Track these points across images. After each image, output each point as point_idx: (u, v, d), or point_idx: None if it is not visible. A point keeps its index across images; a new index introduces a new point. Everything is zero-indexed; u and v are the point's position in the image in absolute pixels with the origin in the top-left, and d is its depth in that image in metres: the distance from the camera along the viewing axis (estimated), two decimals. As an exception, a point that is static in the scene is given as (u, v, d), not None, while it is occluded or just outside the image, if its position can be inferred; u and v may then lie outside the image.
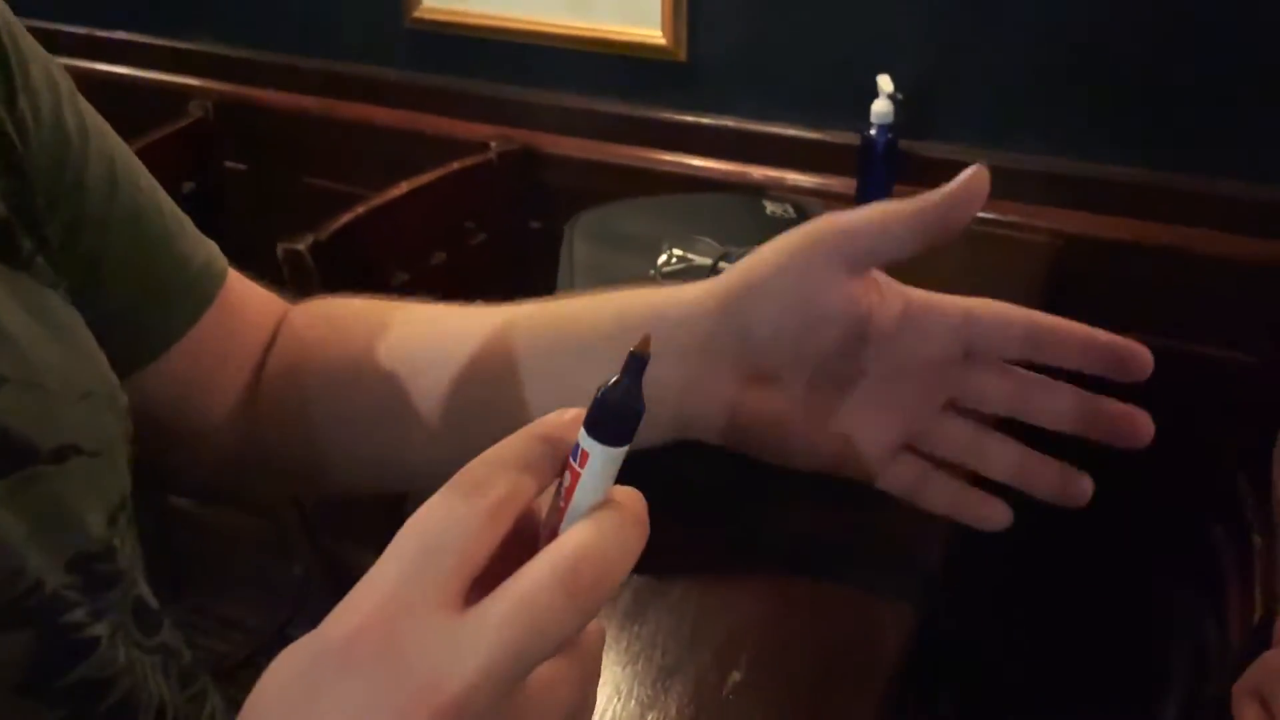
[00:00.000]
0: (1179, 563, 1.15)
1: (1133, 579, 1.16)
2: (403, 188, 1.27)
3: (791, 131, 1.35)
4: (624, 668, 0.69)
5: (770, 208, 1.03)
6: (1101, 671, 1.06)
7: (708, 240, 0.90)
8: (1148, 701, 1.03)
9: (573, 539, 0.29)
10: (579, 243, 0.99)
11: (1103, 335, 0.47)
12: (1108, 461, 0.50)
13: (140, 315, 0.49)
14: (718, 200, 1.06)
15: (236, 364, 0.55)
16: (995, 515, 0.52)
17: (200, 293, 0.52)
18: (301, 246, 1.11)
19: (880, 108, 1.22)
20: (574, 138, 1.46)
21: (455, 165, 1.35)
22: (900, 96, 1.23)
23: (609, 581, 0.29)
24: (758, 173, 1.37)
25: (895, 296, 0.50)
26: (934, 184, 1.36)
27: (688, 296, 0.51)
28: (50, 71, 0.46)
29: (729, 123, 1.39)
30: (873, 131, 1.22)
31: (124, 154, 0.49)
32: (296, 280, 1.12)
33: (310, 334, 0.57)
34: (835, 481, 0.54)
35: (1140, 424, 0.47)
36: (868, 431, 0.50)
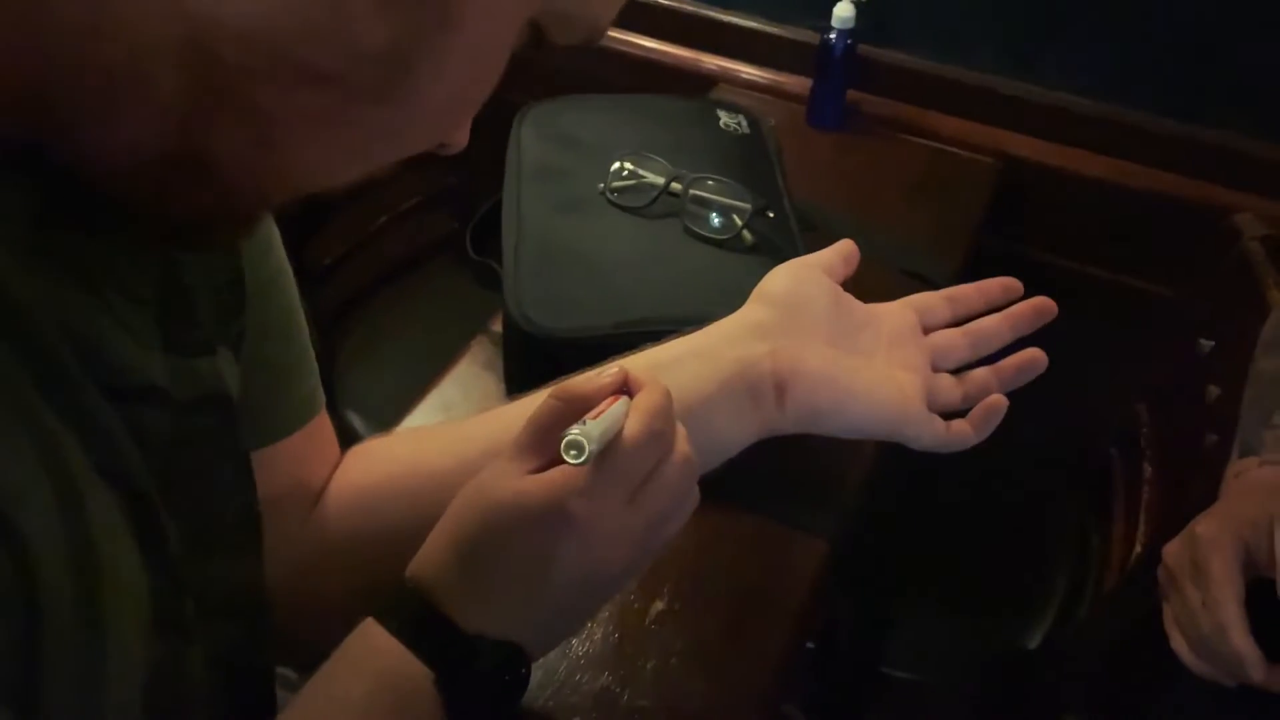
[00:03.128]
0: (1077, 485, 1.23)
1: (1034, 501, 1.24)
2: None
3: (749, 23, 1.32)
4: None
5: (724, 119, 1.01)
6: (989, 583, 1.14)
7: (660, 160, 0.89)
8: (1029, 611, 1.12)
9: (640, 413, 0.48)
10: (528, 139, 0.97)
11: (988, 283, 0.65)
12: (1026, 390, 0.62)
13: (246, 414, 0.51)
14: (672, 107, 1.04)
15: (305, 488, 0.59)
16: (1000, 401, 0.62)
17: (296, 414, 0.58)
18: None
19: (843, 11, 1.19)
20: None
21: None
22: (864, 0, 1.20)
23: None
24: (710, 62, 1.34)
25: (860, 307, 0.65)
26: (889, 93, 1.35)
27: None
28: (271, 240, 0.53)
29: (686, 5, 1.34)
30: (832, 35, 1.20)
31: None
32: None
33: (373, 459, 0.62)
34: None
35: (1043, 304, 0.63)
36: (908, 384, 0.61)
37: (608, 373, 0.50)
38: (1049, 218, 1.27)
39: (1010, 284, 0.65)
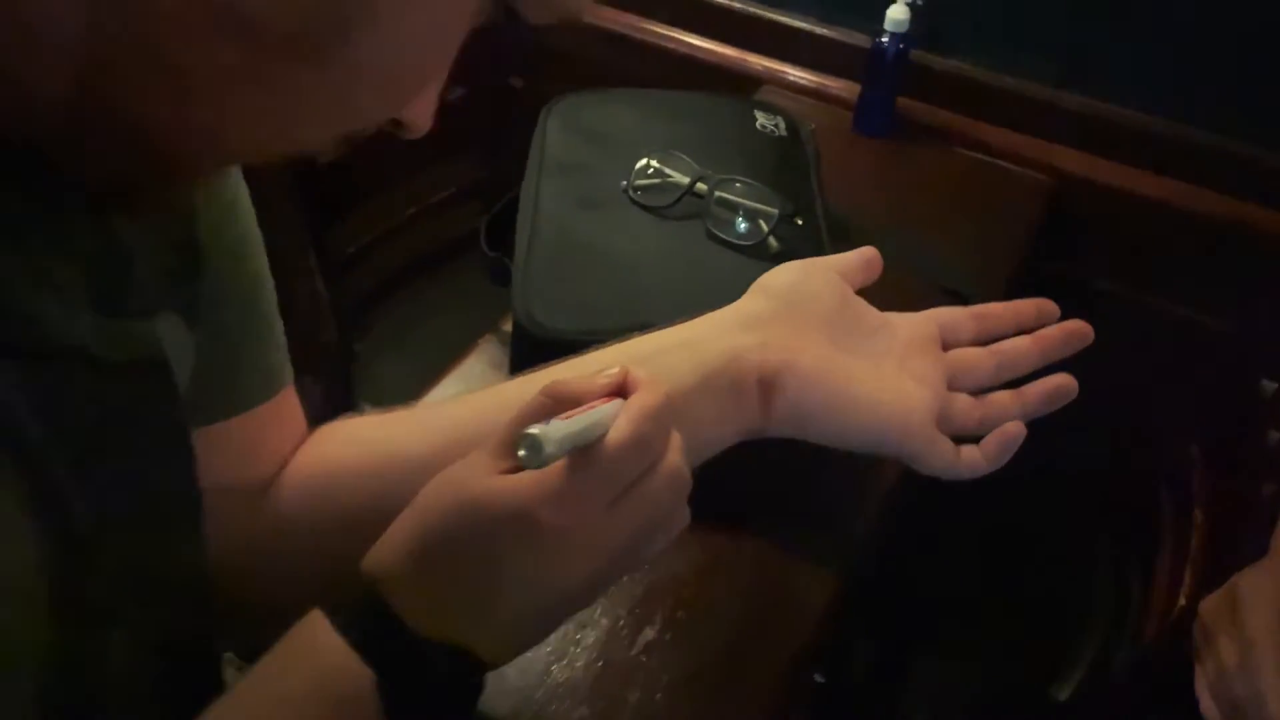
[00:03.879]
0: (1120, 527, 1.16)
1: (1072, 540, 1.17)
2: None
3: (800, 23, 1.26)
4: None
5: (761, 120, 0.96)
6: (1018, 625, 1.08)
7: (686, 158, 0.84)
8: (1060, 659, 1.05)
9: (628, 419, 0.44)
10: (552, 132, 0.93)
11: (1020, 302, 0.61)
12: (1067, 422, 0.58)
13: (202, 386, 0.49)
14: (708, 104, 0.99)
15: (264, 466, 0.56)
16: (1017, 429, 0.57)
17: (258, 388, 0.54)
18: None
19: (897, 14, 1.13)
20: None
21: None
22: (920, 2, 1.14)
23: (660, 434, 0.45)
24: (757, 63, 1.29)
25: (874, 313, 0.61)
26: (939, 101, 1.28)
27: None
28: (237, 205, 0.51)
29: (736, 3, 1.30)
30: (885, 39, 1.14)
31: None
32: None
33: (339, 441, 0.59)
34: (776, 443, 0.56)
35: (1078, 328, 0.59)
36: (916, 396, 0.56)
37: (608, 372, 0.46)
38: (1102, 240, 1.20)
39: (1045, 305, 0.60)
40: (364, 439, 0.58)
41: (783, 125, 0.96)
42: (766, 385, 0.54)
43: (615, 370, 0.46)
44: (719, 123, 0.96)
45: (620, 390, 0.46)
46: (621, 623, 0.68)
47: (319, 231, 1.18)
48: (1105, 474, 1.16)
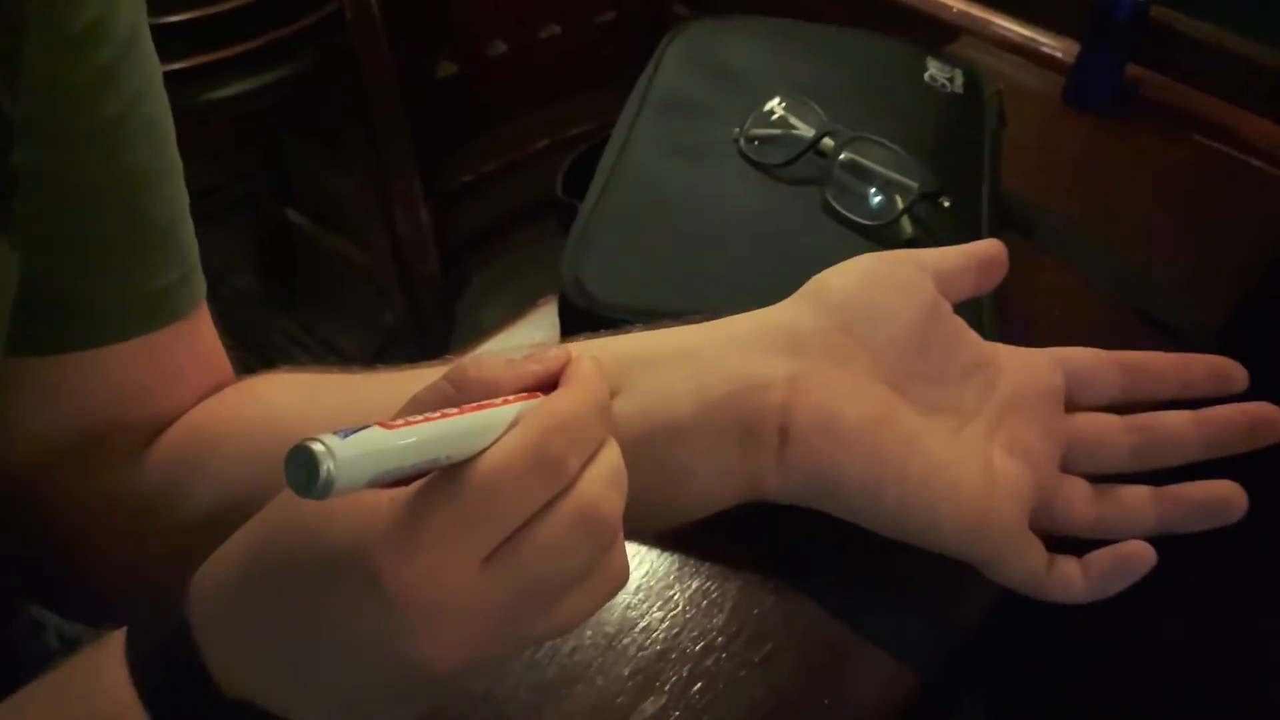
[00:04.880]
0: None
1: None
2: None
3: (1015, -38, 1.04)
4: (527, 654, 0.54)
5: (933, 71, 0.77)
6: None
7: (817, 108, 0.67)
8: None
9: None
10: (670, 62, 0.77)
11: (1194, 359, 0.46)
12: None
13: (76, 299, 0.41)
14: (871, 46, 0.80)
15: (142, 415, 0.44)
16: (1142, 552, 0.43)
17: (136, 316, 0.43)
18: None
19: (1138, -43, 0.90)
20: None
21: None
22: (1172, -55, 0.91)
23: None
24: (958, 6, 1.08)
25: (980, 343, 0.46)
26: (1182, 76, 1.02)
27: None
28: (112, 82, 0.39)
29: (942, -66, 1.08)
30: (1120, -12, 0.92)
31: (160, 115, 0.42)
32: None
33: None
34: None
35: (1268, 414, 0.43)
36: (1007, 481, 0.42)
37: (546, 354, 0.33)
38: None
39: (1227, 369, 0.44)
40: (269, 402, 0.45)
41: (959, 80, 0.77)
42: (790, 439, 0.40)
43: (556, 354, 0.33)
44: (878, 70, 0.77)
45: (553, 386, 0.33)
46: (616, 691, 0.53)
47: (431, 157, 1.07)
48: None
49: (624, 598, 0.56)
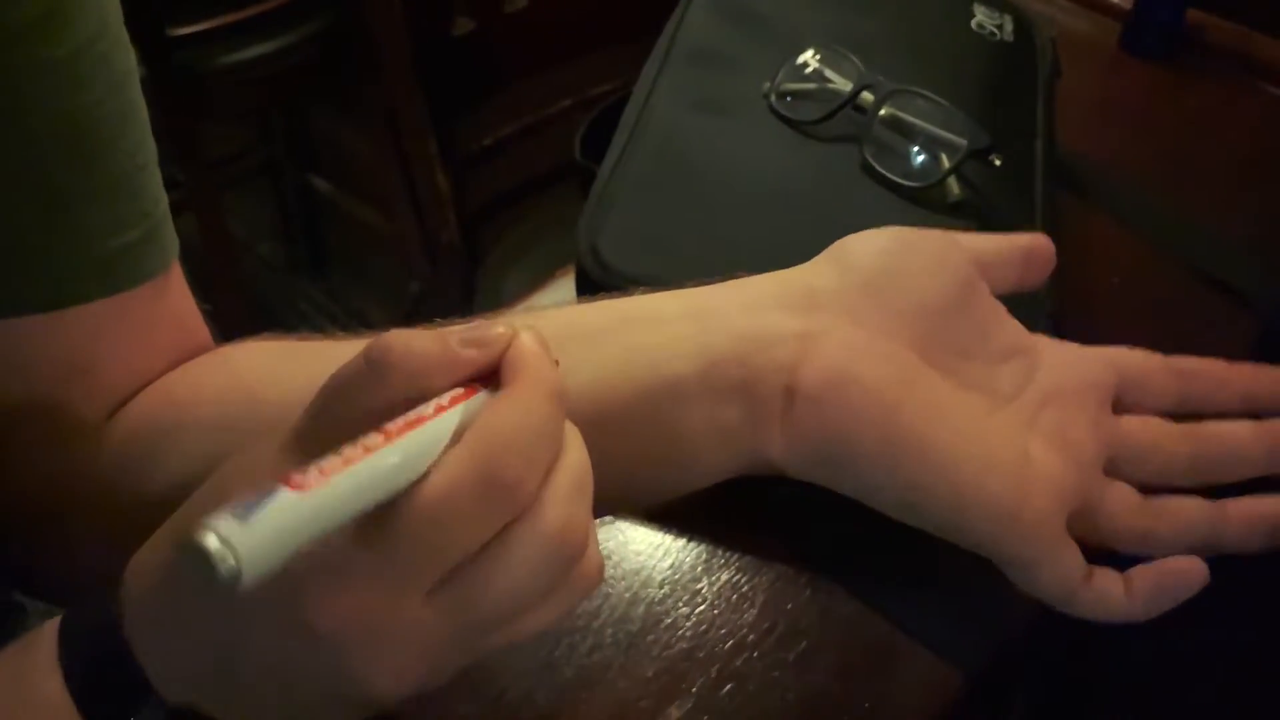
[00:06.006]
0: None
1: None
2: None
3: (1068, -100, 0.97)
4: (543, 654, 0.50)
5: (980, 18, 0.71)
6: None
7: (855, 60, 0.61)
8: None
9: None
10: (696, 9, 0.72)
11: (1264, 369, 0.42)
12: None
13: (33, 256, 0.38)
14: (910, -9, 0.75)
15: (108, 383, 0.42)
16: (1193, 569, 0.39)
17: (94, 276, 0.39)
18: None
19: (1204, -110, 0.83)
20: None
21: None
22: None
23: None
24: (1006, -50, 1.01)
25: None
26: (1248, 19, 0.94)
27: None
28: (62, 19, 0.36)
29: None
30: (1182, -75, 0.85)
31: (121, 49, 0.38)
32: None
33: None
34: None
35: None
36: (1044, 469, 0.38)
37: (489, 336, 0.28)
38: None
39: None
40: (246, 368, 0.42)
41: (1008, 27, 0.71)
42: (798, 399, 0.37)
43: (496, 335, 0.28)
44: (921, 17, 0.72)
45: (495, 373, 0.28)
46: (639, 694, 0.49)
47: (449, 119, 1.03)
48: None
49: (649, 593, 0.52)
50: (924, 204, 0.57)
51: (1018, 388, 0.39)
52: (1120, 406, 0.42)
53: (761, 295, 0.40)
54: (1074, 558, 0.39)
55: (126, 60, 0.39)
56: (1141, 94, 0.91)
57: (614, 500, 0.39)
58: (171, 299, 0.43)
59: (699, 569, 0.53)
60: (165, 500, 0.35)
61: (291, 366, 0.41)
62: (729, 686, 0.50)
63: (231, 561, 0.21)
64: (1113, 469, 0.40)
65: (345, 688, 0.27)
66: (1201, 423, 0.41)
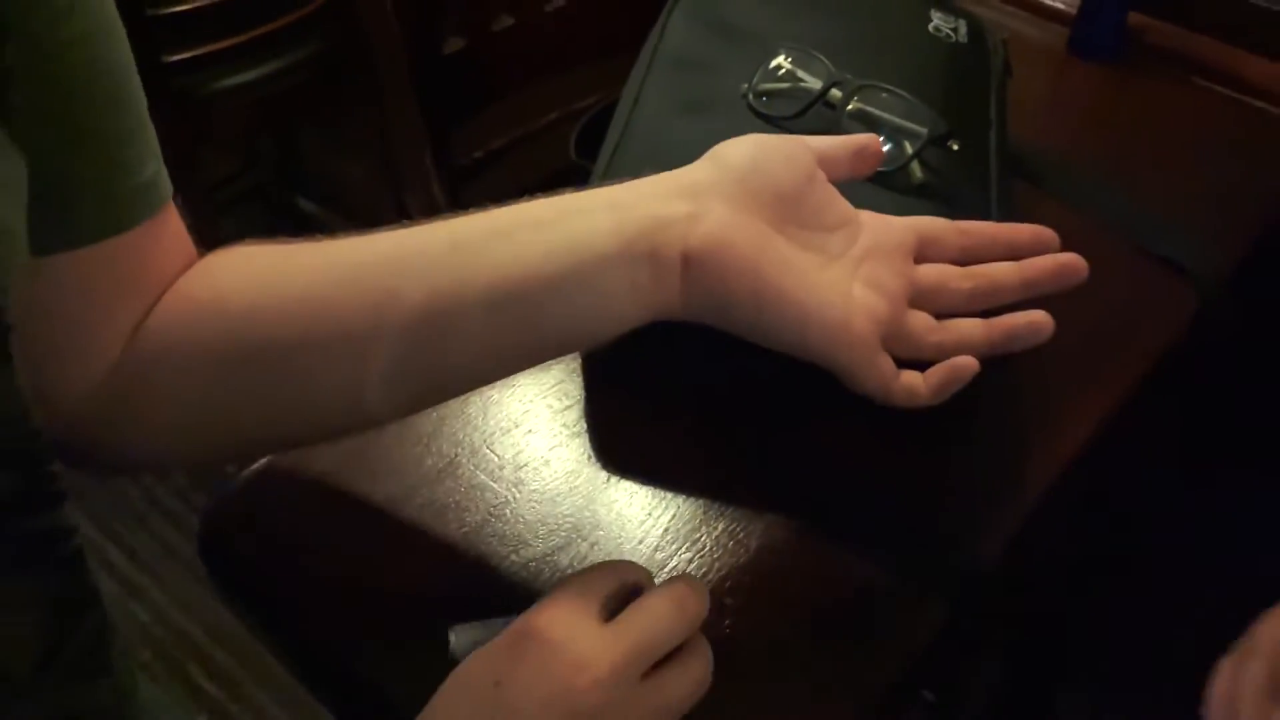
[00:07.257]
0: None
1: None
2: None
3: (1016, -85, 1.04)
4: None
5: (936, 22, 0.77)
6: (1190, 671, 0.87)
7: (824, 61, 0.68)
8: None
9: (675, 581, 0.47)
10: (676, 20, 0.78)
11: (1015, 226, 0.57)
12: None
13: (53, 202, 0.43)
14: (871, 1, 0.81)
15: (138, 297, 0.49)
16: (968, 363, 0.52)
17: (127, 210, 0.46)
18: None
19: (1139, -97, 0.90)
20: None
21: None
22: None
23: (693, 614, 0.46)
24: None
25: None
26: (1187, 21, 1.01)
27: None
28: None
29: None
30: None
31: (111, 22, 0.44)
32: None
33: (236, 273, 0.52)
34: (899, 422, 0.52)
35: (1070, 262, 0.54)
36: (861, 301, 0.52)
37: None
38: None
39: (1044, 234, 0.56)
40: (256, 271, 0.50)
41: (963, 30, 0.77)
42: (690, 262, 0.49)
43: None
44: (882, 22, 0.78)
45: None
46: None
47: (442, 131, 1.08)
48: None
49: (654, 540, 0.57)
50: (891, 187, 0.63)
51: (844, 249, 0.53)
52: (920, 259, 0.55)
53: (661, 188, 0.52)
54: (887, 364, 0.51)
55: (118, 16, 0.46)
56: (1089, 92, 0.97)
57: (556, 345, 0.52)
58: (172, 225, 0.50)
59: (698, 519, 0.58)
60: (207, 379, 0.46)
61: (284, 268, 0.50)
62: (727, 622, 0.55)
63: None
64: (915, 303, 0.53)
65: None
66: (978, 265, 0.55)
